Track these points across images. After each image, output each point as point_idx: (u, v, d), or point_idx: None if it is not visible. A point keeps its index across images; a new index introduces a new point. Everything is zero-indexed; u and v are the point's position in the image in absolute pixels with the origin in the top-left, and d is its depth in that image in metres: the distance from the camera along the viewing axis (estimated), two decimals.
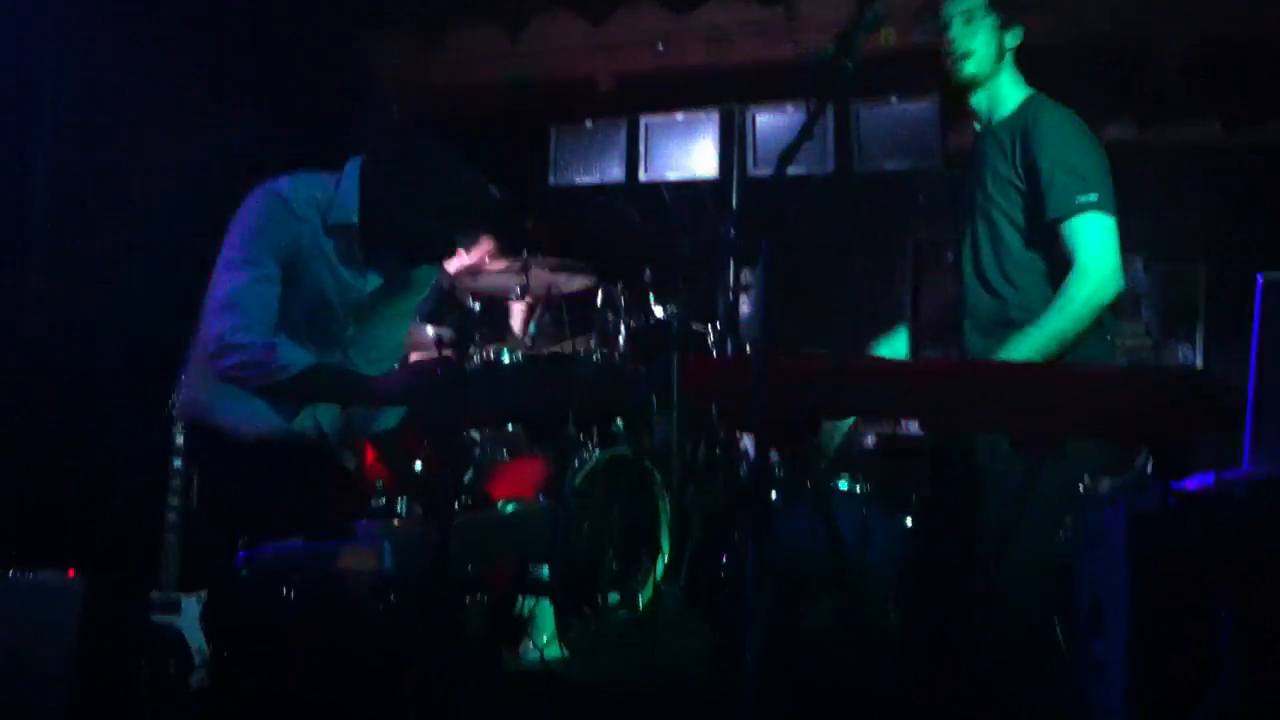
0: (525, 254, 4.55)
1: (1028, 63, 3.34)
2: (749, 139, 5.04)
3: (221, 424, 3.13)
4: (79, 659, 3.49)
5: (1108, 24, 5.23)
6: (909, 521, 3.94)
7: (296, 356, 3.02)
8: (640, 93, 5.64)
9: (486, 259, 4.80)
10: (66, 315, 4.72)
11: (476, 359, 3.68)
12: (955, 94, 3.33)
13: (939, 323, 3.47)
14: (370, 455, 3.27)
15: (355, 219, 3.11)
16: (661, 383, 3.27)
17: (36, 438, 4.62)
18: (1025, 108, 3.23)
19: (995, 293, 3.20)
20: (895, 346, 3.54)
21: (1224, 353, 6.74)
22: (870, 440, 4.37)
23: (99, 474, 4.51)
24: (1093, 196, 3.06)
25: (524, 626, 3.50)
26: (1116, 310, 3.18)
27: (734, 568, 3.32)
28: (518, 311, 5.05)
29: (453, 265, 4.59)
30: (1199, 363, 6.67)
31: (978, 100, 3.27)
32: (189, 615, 3.83)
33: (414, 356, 3.83)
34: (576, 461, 3.69)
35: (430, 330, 4.29)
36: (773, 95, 5.09)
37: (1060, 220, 3.07)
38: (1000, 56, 3.24)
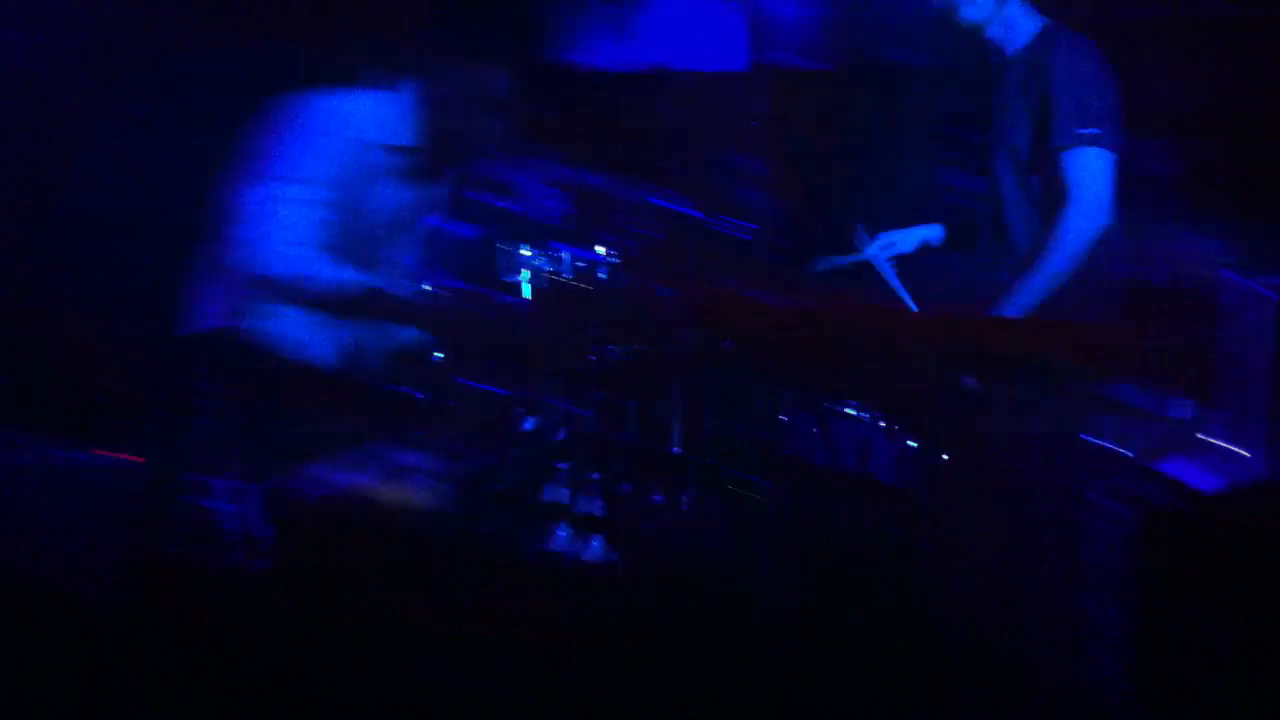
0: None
1: None
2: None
3: (251, 339, 3.19)
4: (138, 543, 3.71)
5: None
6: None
7: (343, 271, 3.07)
8: None
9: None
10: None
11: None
12: (967, 35, 3.33)
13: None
14: None
15: (408, 139, 3.13)
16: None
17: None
18: (1040, 39, 3.23)
19: (1001, 219, 3.27)
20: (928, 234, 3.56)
21: None
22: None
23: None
24: (1094, 130, 3.09)
25: None
26: None
27: None
28: None
29: None
30: None
31: (992, 34, 3.29)
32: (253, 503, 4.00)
33: None
34: None
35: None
36: None
37: (1058, 150, 3.10)
38: None
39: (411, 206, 3.31)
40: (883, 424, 2.99)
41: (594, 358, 3.25)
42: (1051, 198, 3.15)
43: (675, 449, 3.16)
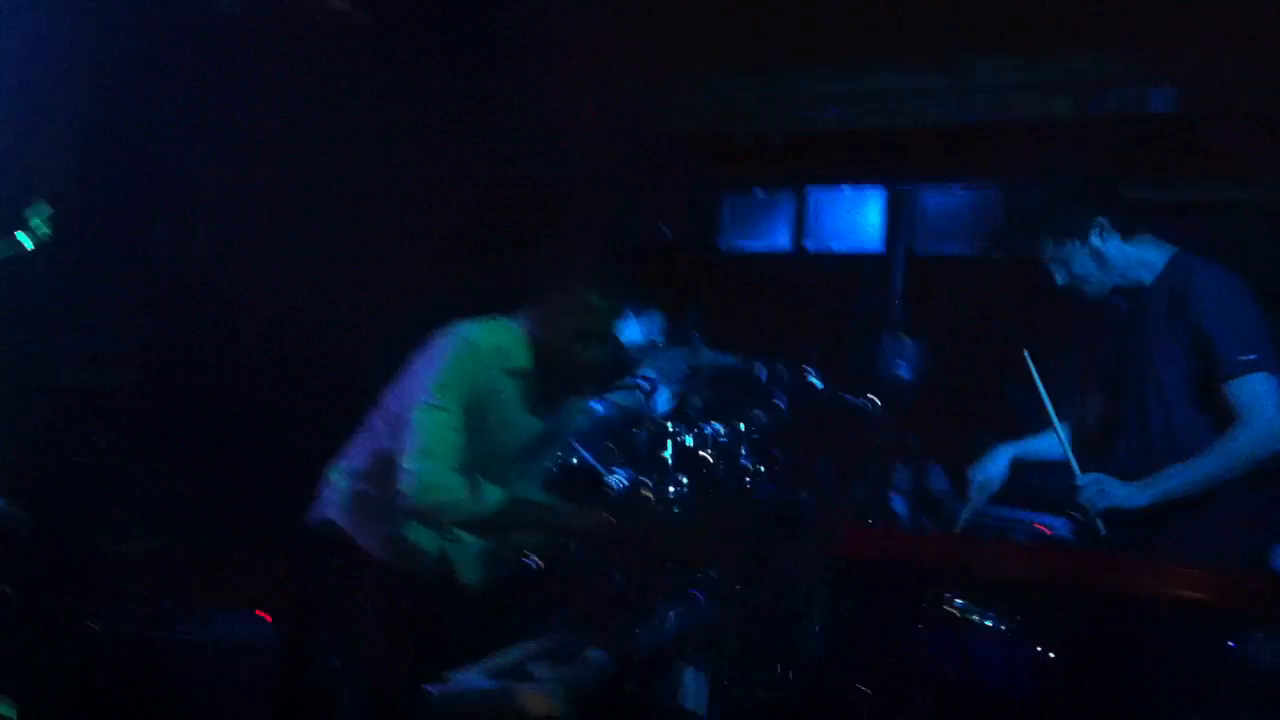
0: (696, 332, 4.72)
1: None
2: (915, 216, 5.14)
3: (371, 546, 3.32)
4: (276, 704, 3.80)
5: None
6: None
7: (493, 493, 3.23)
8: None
9: None
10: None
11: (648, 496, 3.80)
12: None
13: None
14: None
15: (531, 363, 3.32)
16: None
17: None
18: (1173, 269, 3.25)
19: (1152, 446, 3.25)
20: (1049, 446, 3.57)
21: None
22: None
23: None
24: (1253, 355, 3.10)
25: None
26: None
27: None
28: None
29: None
30: None
31: (1121, 281, 3.31)
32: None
33: None
34: None
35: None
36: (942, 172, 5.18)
37: (1225, 380, 3.12)
38: (1105, 260, 3.27)
39: (533, 429, 3.45)
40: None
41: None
42: (1212, 427, 3.15)
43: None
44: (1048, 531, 3.42)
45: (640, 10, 5.09)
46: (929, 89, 5.35)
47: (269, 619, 4.07)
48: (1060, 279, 3.33)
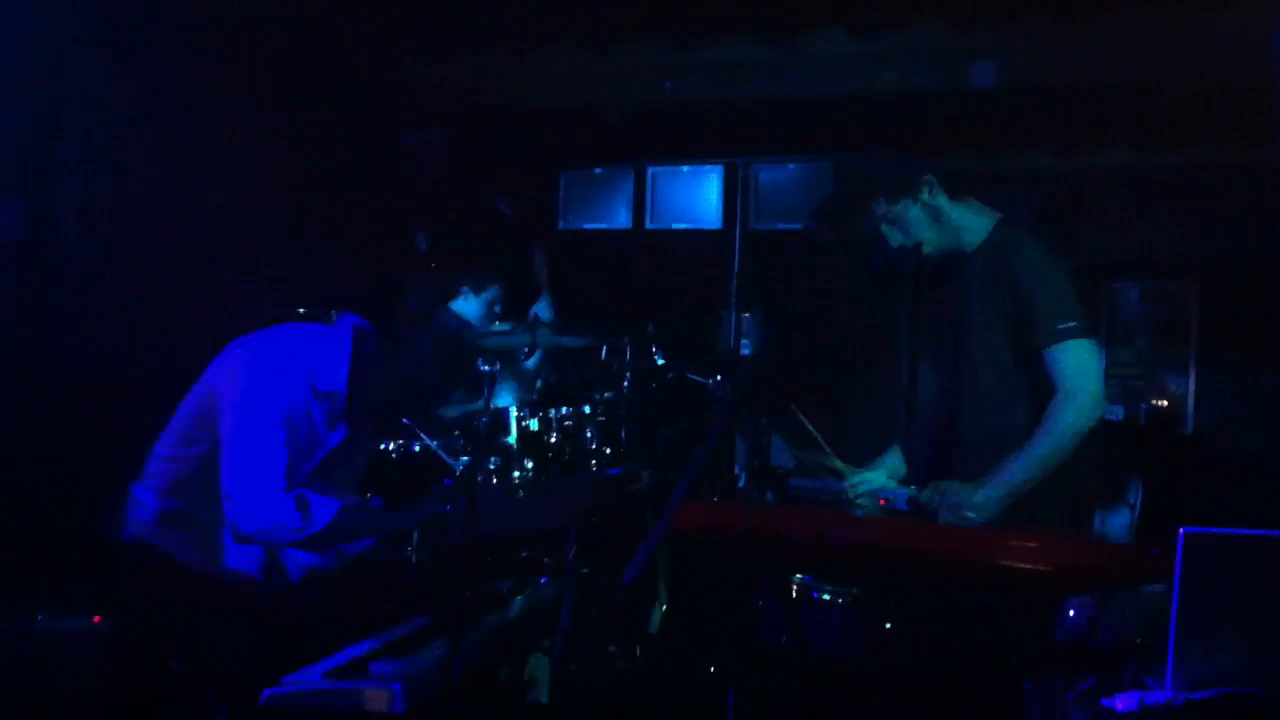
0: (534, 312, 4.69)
1: None
2: (751, 192, 5.17)
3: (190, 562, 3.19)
4: (101, 707, 3.66)
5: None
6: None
7: (323, 508, 3.13)
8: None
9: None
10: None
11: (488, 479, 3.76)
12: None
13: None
14: None
15: (344, 387, 3.23)
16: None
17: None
18: (996, 236, 3.32)
19: (983, 415, 3.32)
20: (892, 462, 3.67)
21: (1214, 375, 6.93)
22: None
23: None
24: (1071, 323, 3.18)
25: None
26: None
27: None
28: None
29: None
30: (1191, 388, 6.87)
31: (950, 246, 3.38)
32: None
33: None
34: None
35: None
36: (775, 149, 5.21)
37: (1045, 348, 3.19)
38: (938, 214, 3.34)
39: (347, 442, 3.38)
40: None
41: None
42: (1038, 390, 3.21)
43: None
44: (882, 503, 3.48)
45: None
46: (761, 62, 5.40)
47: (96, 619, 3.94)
48: (894, 240, 3.36)
